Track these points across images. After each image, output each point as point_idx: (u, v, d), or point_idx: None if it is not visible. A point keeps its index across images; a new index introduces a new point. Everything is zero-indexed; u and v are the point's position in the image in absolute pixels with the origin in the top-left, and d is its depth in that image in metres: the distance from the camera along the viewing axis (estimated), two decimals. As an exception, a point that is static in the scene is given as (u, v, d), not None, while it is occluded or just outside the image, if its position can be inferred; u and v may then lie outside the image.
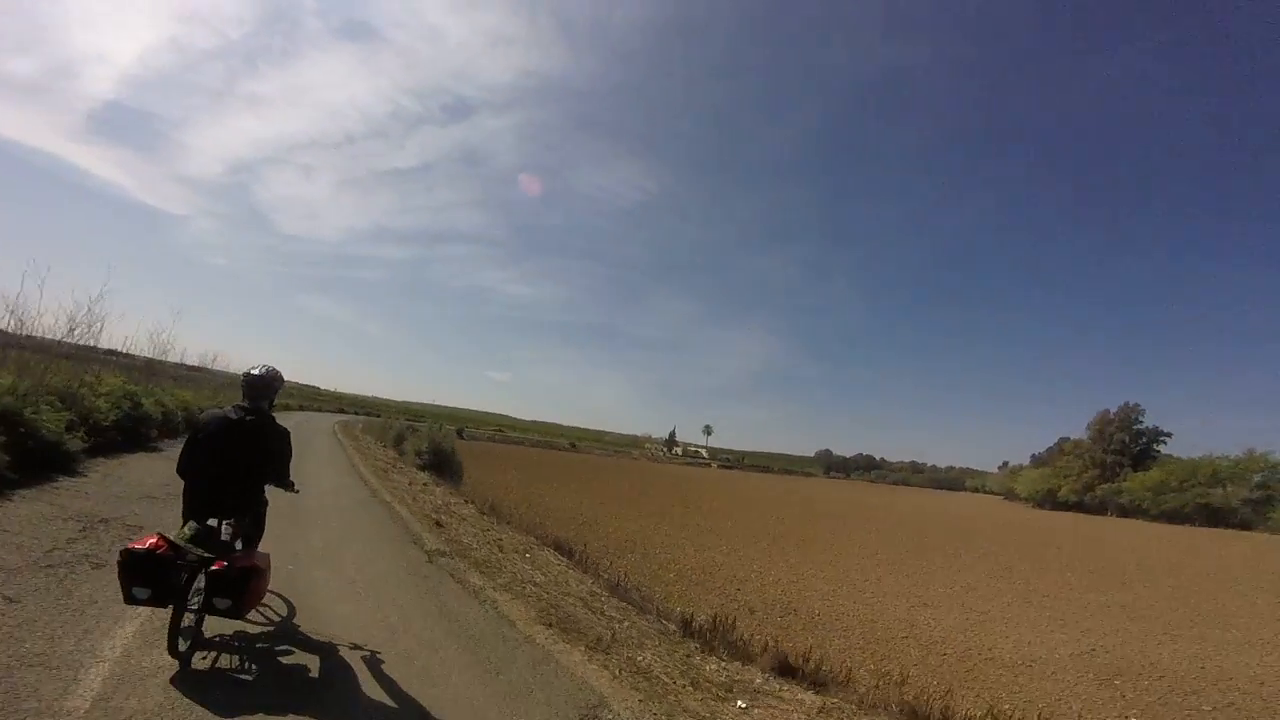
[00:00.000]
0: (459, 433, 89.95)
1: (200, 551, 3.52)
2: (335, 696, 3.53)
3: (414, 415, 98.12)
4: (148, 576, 3.35)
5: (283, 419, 4.52)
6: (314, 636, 4.27)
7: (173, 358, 22.37)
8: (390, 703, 3.56)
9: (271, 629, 4.33)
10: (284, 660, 3.87)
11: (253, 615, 4.25)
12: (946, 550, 26.69)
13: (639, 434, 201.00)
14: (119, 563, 3.34)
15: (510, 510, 16.08)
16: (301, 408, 55.05)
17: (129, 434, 12.75)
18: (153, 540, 3.43)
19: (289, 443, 4.23)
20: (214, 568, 3.47)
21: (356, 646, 4.16)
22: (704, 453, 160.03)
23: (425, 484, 16.30)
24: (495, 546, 9.14)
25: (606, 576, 9.12)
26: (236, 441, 3.86)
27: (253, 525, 4.16)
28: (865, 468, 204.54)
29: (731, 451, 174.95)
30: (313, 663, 3.89)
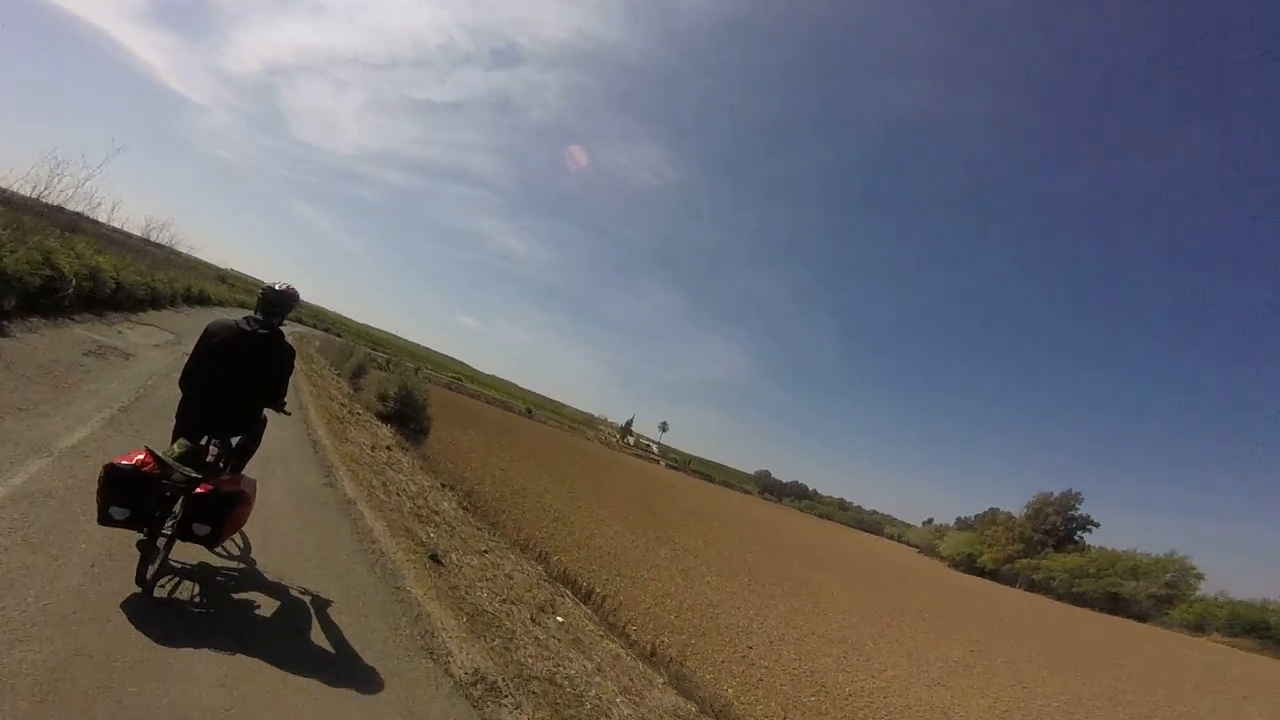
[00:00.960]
0: (415, 371, 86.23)
1: (189, 471, 3.28)
2: (283, 639, 3.45)
3: (374, 342, 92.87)
4: (129, 495, 3.08)
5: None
6: (267, 576, 4.11)
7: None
8: (332, 650, 3.51)
9: (230, 564, 4.12)
10: (236, 596, 3.72)
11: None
12: (917, 611, 27.53)
13: (595, 413, 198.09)
14: (100, 478, 3.08)
15: (486, 498, 13.40)
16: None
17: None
18: (140, 456, 3.17)
19: (293, 361, 3.97)
20: (198, 490, 3.27)
21: (306, 591, 4.02)
22: (654, 448, 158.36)
23: (389, 447, 13.01)
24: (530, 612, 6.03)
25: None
26: (245, 355, 3.65)
27: (244, 447, 3.95)
28: (798, 495, 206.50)
29: (679, 453, 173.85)
30: (264, 602, 3.76)
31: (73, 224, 14.24)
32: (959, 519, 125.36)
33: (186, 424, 3.63)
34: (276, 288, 3.89)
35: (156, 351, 11.20)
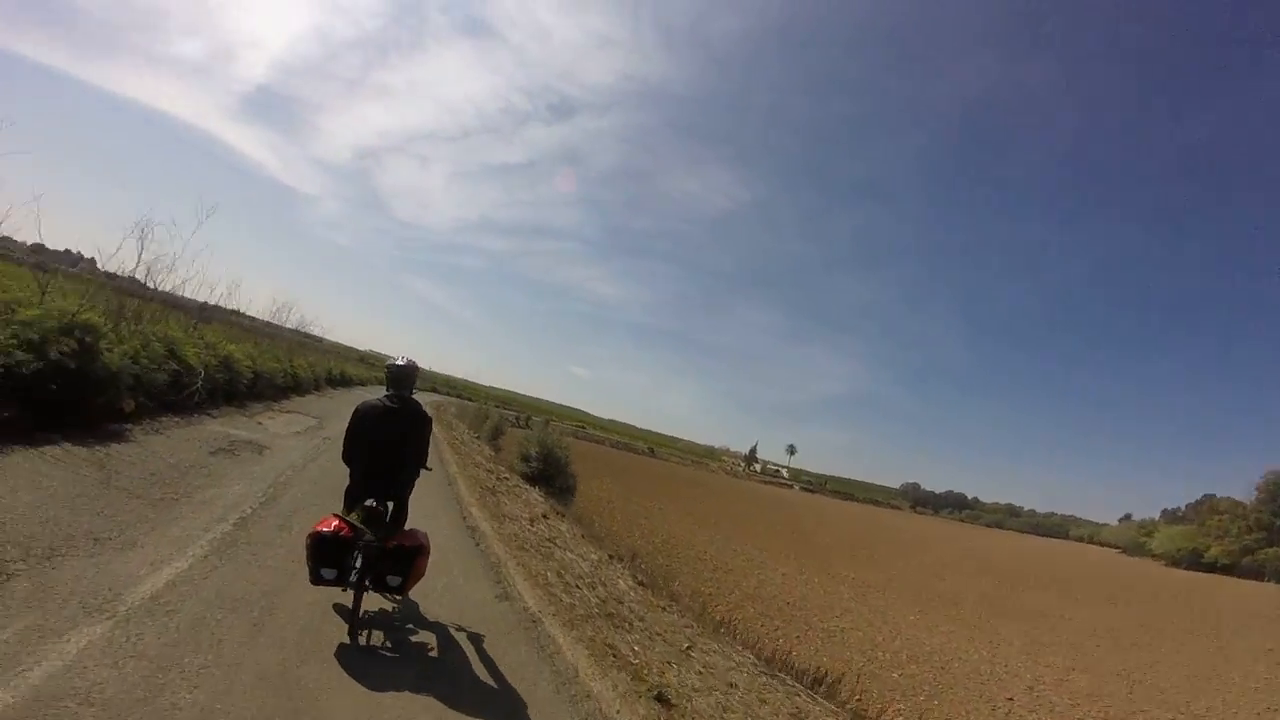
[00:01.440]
0: (546, 423, 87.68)
1: (371, 532, 3.66)
2: (453, 674, 3.72)
3: (501, 401, 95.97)
4: (334, 556, 3.51)
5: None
6: (428, 617, 4.40)
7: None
8: (492, 683, 3.74)
9: (398, 608, 4.43)
10: (412, 639, 4.01)
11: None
12: (1171, 621, 22.82)
13: (714, 445, 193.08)
14: (308, 546, 3.56)
15: (649, 559, 13.11)
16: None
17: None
18: (335, 523, 3.61)
19: (430, 426, 4.32)
20: (389, 546, 3.70)
21: (460, 628, 4.29)
22: (785, 473, 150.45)
23: (546, 515, 11.12)
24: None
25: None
26: (392, 427, 4.03)
27: (404, 504, 4.25)
28: (956, 505, 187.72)
29: (812, 475, 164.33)
30: (431, 640, 4.05)
31: (207, 314, 13.93)
32: (1165, 510, 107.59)
33: (358, 492, 4.04)
34: (398, 363, 4.30)
35: (296, 440, 10.08)
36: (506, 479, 14.22)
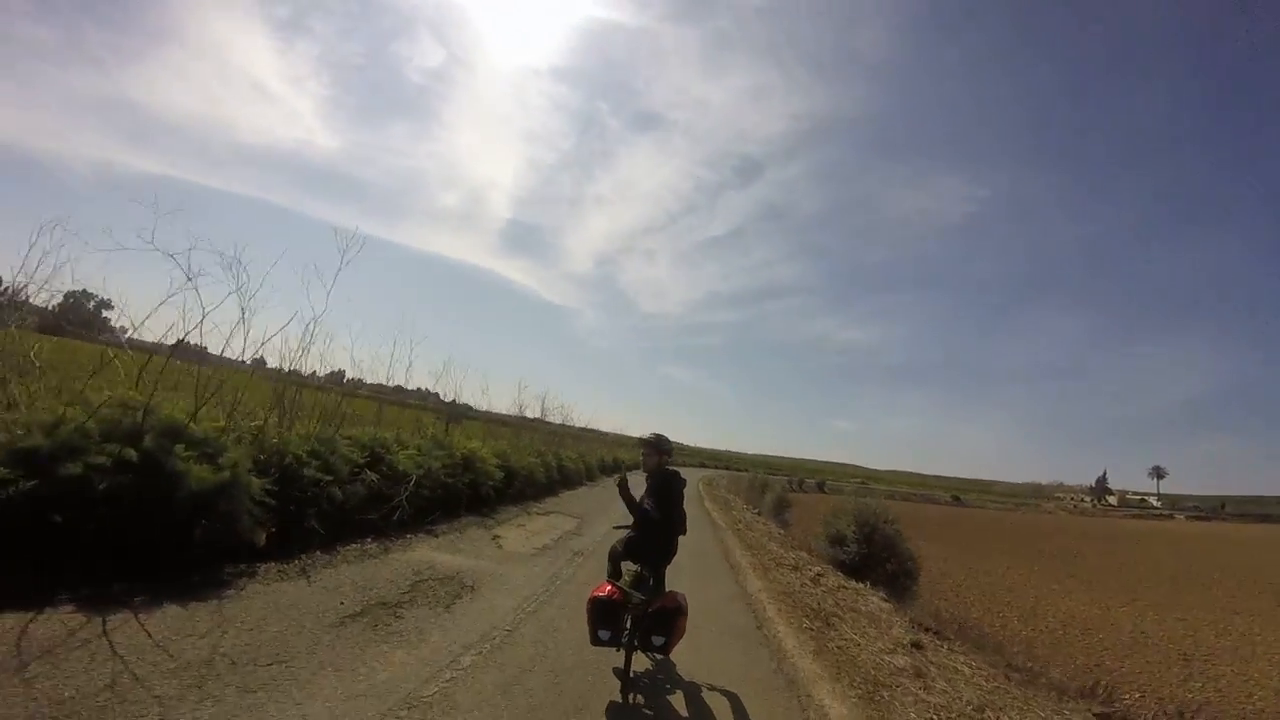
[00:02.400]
0: (820, 486, 79.98)
1: (639, 596, 3.87)
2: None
3: (770, 467, 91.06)
4: (610, 619, 3.75)
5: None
6: (684, 676, 4.34)
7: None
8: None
9: (653, 666, 4.45)
10: (669, 699, 3.97)
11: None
12: None
13: (1039, 481, 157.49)
14: (588, 610, 3.79)
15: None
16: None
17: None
18: (609, 588, 3.86)
19: (681, 480, 4.45)
20: (655, 608, 3.85)
21: (714, 688, 4.20)
22: (1154, 500, 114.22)
23: (917, 644, 6.30)
24: None
25: None
26: (654, 496, 4.28)
27: (662, 569, 4.34)
28: None
29: (1196, 498, 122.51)
30: (686, 702, 3.97)
31: (458, 413, 12.62)
32: None
33: (624, 556, 4.29)
34: (645, 438, 4.52)
35: (533, 562, 7.11)
36: (821, 576, 9.65)
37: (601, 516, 11.37)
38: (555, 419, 19.70)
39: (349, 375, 10.29)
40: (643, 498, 4.32)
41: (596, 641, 3.73)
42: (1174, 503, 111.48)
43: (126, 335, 5.70)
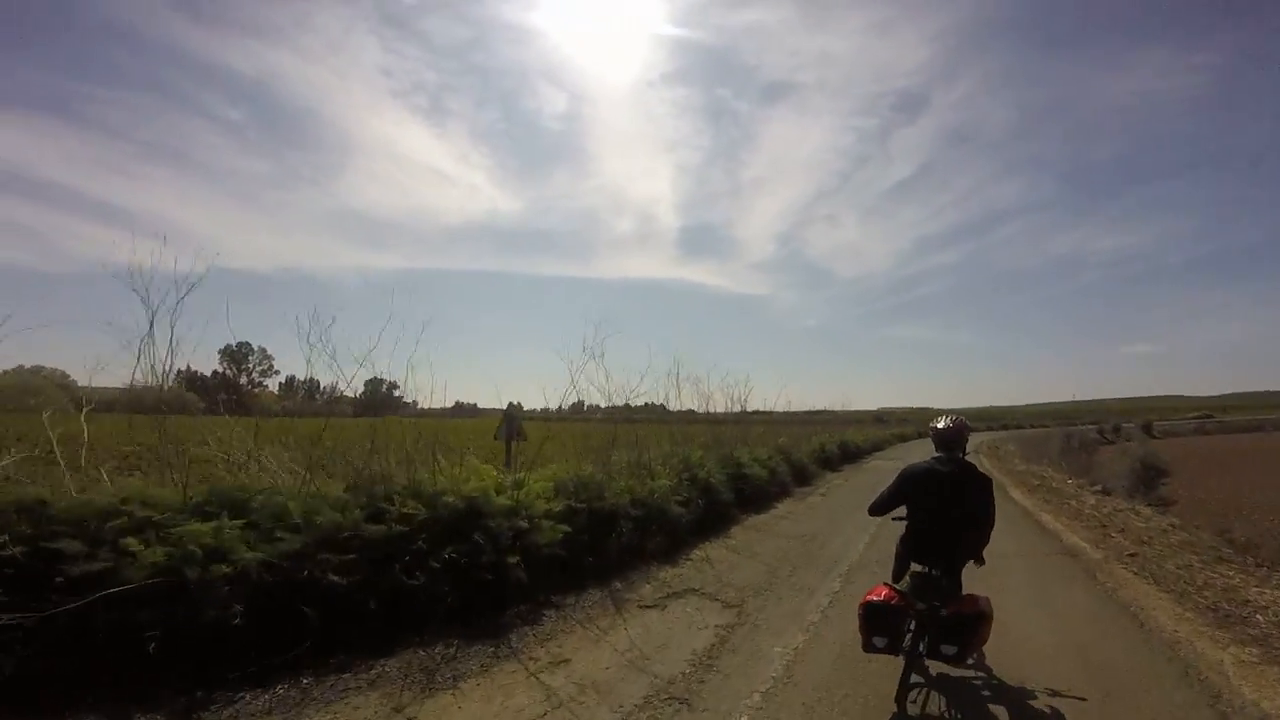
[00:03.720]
0: (1147, 429, 60.07)
1: (923, 599, 3.41)
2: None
3: (1064, 418, 72.03)
4: (885, 626, 3.36)
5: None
6: (1008, 681, 3.74)
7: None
8: None
9: (969, 673, 3.82)
10: (983, 707, 3.48)
11: None
12: None
13: None
14: (860, 615, 3.40)
15: None
16: (920, 434, 41.62)
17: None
18: (885, 591, 3.45)
19: (991, 489, 3.72)
20: (945, 613, 3.30)
21: (1055, 693, 3.55)
22: None
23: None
24: None
25: None
26: (943, 491, 3.66)
27: (957, 571, 3.72)
28: None
29: None
30: (1009, 712, 3.42)
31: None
32: None
33: (908, 556, 3.81)
34: (939, 426, 3.87)
35: None
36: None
37: (787, 593, 5.57)
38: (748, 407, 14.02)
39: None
40: (926, 490, 3.65)
41: (870, 649, 3.37)
42: None
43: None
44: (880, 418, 60.66)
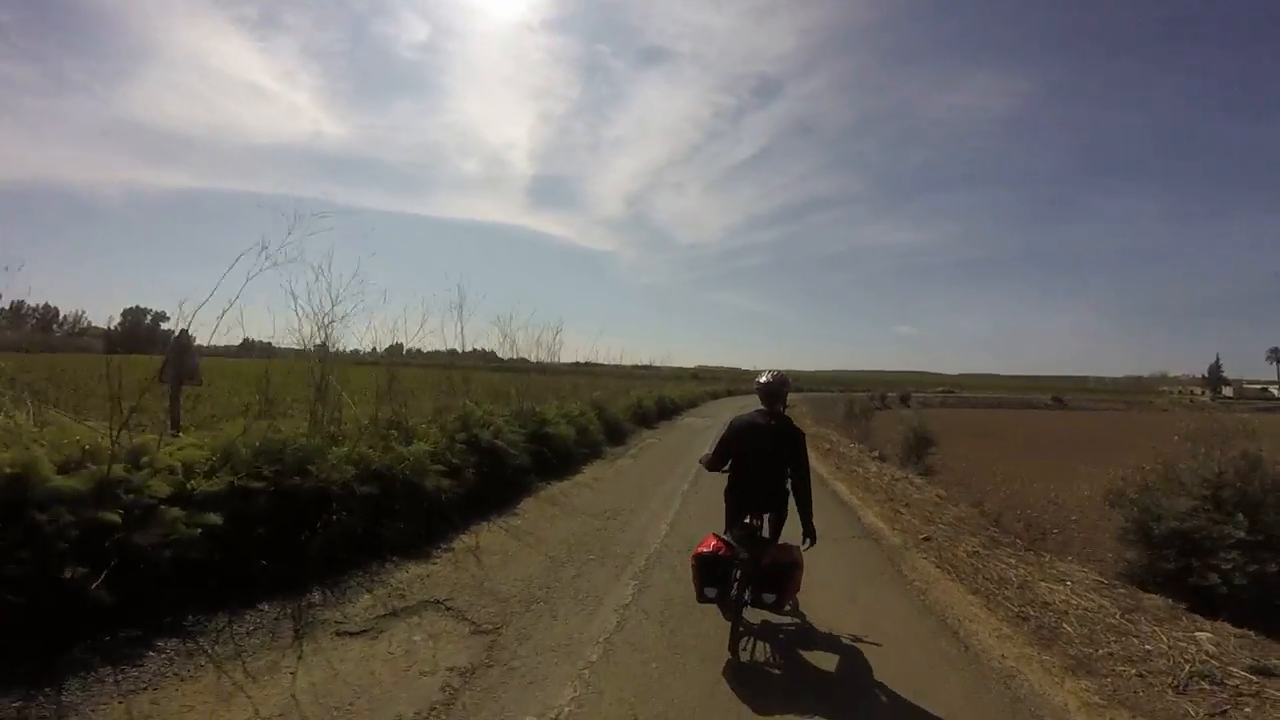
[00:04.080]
0: (904, 399, 70.85)
1: (747, 550, 3.50)
2: (847, 693, 3.20)
3: (843, 384, 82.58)
4: (715, 576, 3.46)
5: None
6: (818, 628, 3.99)
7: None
8: (893, 706, 3.10)
9: (785, 620, 4.04)
10: (798, 652, 3.65)
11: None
12: None
13: (1138, 374, 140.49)
14: (693, 567, 3.52)
15: None
16: (730, 393, 44.48)
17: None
18: (714, 542, 3.55)
19: (803, 441, 3.84)
20: (765, 562, 3.46)
21: (857, 639, 3.82)
22: (1274, 390, 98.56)
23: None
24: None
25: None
26: (764, 444, 3.76)
27: (779, 521, 3.91)
28: None
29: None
30: (822, 657, 3.61)
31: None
32: None
33: (734, 509, 3.80)
34: (762, 380, 3.92)
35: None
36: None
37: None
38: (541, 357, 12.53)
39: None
40: (751, 442, 3.75)
41: (703, 599, 3.54)
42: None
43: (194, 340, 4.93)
44: (697, 374, 63.78)
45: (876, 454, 15.59)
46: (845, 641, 3.77)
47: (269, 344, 5.88)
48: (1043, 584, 4.94)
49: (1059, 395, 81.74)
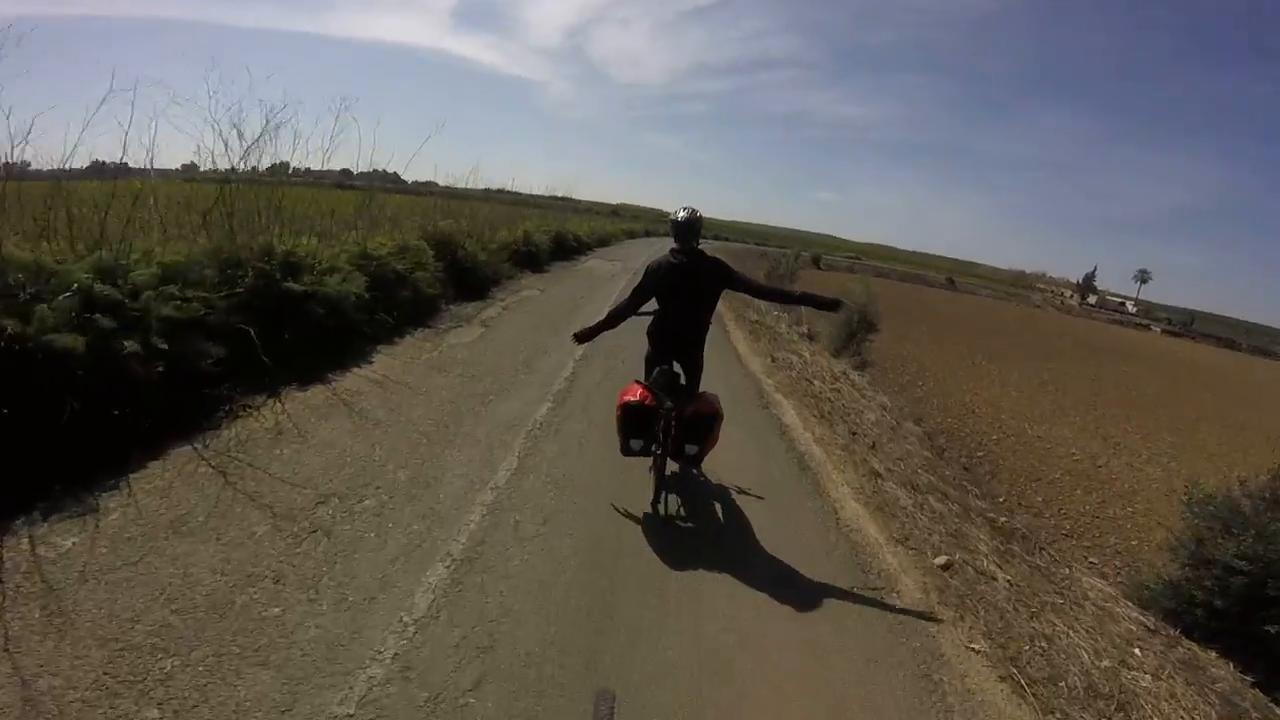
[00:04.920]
0: (815, 261, 70.57)
1: (670, 399, 3.43)
2: (741, 542, 3.45)
3: (757, 237, 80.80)
4: (641, 427, 3.40)
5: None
6: (713, 480, 4.09)
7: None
8: (773, 551, 3.37)
9: (691, 475, 4.06)
10: (701, 504, 3.80)
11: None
12: None
13: (1022, 269, 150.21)
14: (619, 417, 3.42)
15: None
16: (648, 233, 40.59)
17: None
18: (640, 391, 3.44)
19: (725, 265, 3.60)
20: (688, 413, 3.43)
21: (743, 491, 4.02)
22: (1130, 306, 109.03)
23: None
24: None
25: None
26: (681, 283, 3.56)
27: (699, 365, 3.81)
28: None
29: (1171, 309, 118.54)
30: (718, 508, 3.80)
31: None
32: None
33: (656, 355, 3.72)
34: (677, 217, 3.66)
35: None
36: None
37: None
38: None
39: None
40: (668, 284, 3.52)
41: (628, 451, 3.48)
42: (1148, 310, 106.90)
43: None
44: (618, 211, 59.12)
45: (805, 329, 13.41)
46: (733, 494, 3.95)
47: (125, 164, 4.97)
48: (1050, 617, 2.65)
49: (951, 278, 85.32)
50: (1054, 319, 60.20)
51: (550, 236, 13.85)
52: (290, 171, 8.11)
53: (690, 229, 3.57)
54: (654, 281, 3.55)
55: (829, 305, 3.63)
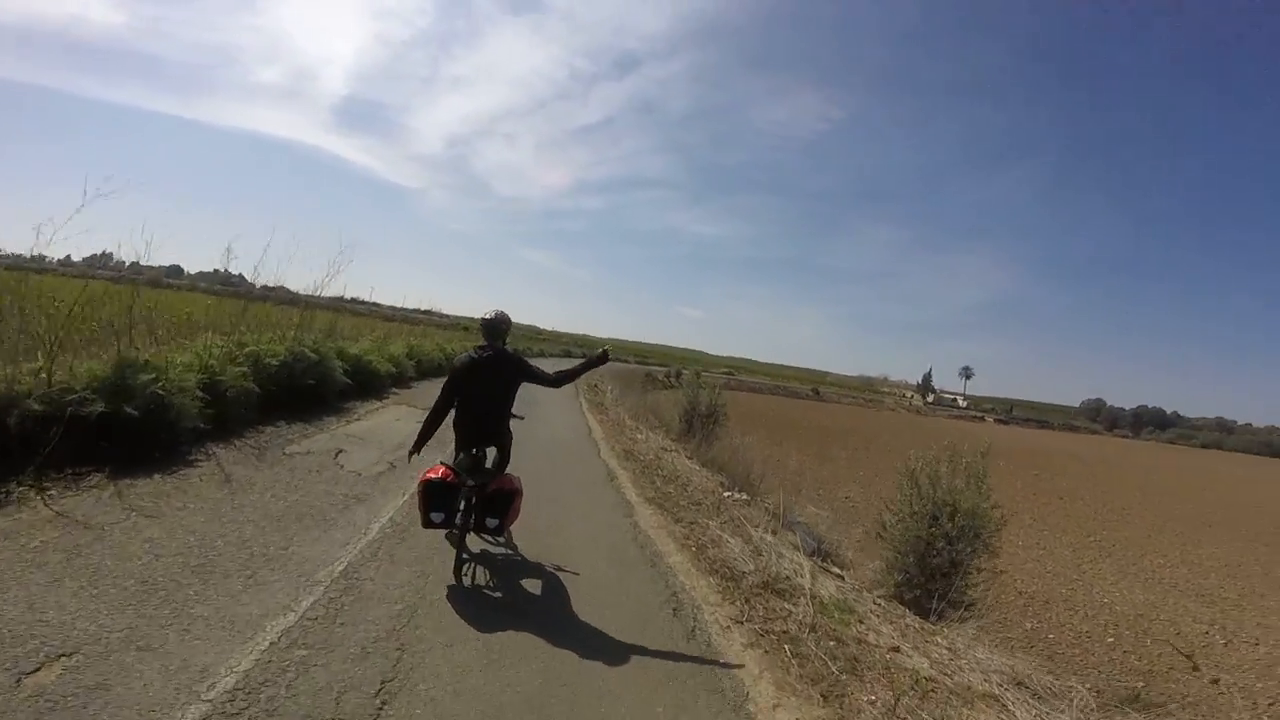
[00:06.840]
0: (677, 375, 72.54)
1: (472, 478, 3.69)
2: (553, 613, 3.59)
3: (640, 355, 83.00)
4: (442, 501, 3.60)
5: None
6: (529, 558, 4.32)
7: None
8: (591, 623, 3.54)
9: (502, 549, 4.39)
10: (512, 578, 3.97)
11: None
12: None
13: (867, 374, 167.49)
14: (419, 492, 3.64)
15: None
16: (517, 351, 38.93)
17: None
18: (443, 470, 3.67)
19: (524, 362, 4.03)
20: (489, 490, 3.70)
21: (559, 568, 4.19)
22: (961, 401, 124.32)
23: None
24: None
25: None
26: (484, 377, 3.87)
27: (505, 449, 4.08)
28: (1156, 424, 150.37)
29: (994, 400, 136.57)
30: (532, 583, 3.96)
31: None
32: None
33: (460, 440, 3.89)
34: (486, 317, 4.01)
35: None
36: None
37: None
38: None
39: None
40: (471, 379, 3.88)
41: (429, 524, 3.65)
42: (977, 404, 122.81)
43: None
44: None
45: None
46: (549, 569, 4.14)
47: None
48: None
49: (817, 388, 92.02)
50: (906, 419, 66.04)
51: (406, 353, 12.21)
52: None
53: (495, 329, 3.99)
54: (459, 375, 3.86)
55: (599, 360, 4.19)
